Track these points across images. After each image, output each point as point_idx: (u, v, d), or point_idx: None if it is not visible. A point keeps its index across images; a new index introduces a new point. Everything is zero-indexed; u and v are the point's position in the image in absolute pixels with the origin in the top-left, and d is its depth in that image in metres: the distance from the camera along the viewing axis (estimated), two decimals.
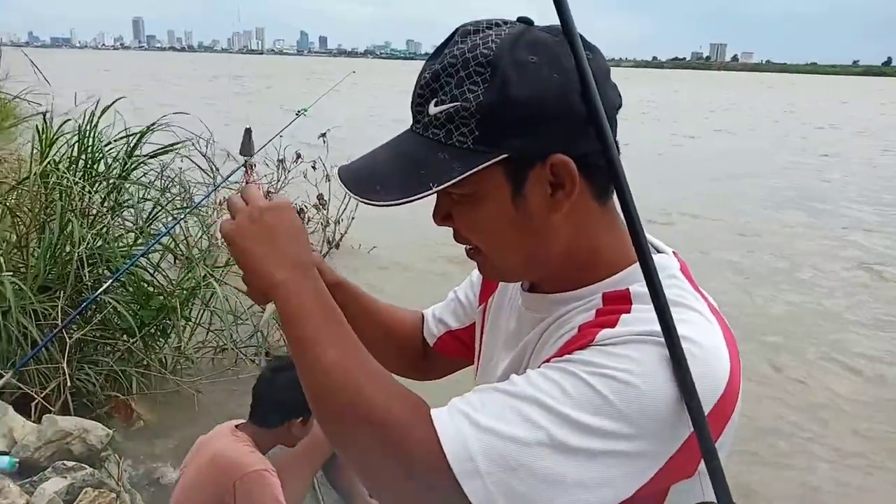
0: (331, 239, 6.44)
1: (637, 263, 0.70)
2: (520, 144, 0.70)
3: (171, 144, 4.19)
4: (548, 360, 0.71)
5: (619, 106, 0.77)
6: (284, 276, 0.76)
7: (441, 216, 0.79)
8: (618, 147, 0.71)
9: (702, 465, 0.68)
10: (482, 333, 1.00)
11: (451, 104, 0.70)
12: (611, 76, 0.76)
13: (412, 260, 6.84)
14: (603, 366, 0.66)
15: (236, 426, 2.28)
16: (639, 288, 0.73)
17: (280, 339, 4.03)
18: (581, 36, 0.70)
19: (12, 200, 3.60)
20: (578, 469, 0.64)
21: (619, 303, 0.74)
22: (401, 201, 0.71)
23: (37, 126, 3.84)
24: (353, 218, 6.42)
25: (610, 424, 0.64)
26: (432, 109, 0.71)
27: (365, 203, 0.72)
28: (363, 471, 0.71)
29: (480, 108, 0.68)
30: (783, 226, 9.14)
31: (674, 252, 0.82)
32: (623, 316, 0.71)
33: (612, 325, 0.70)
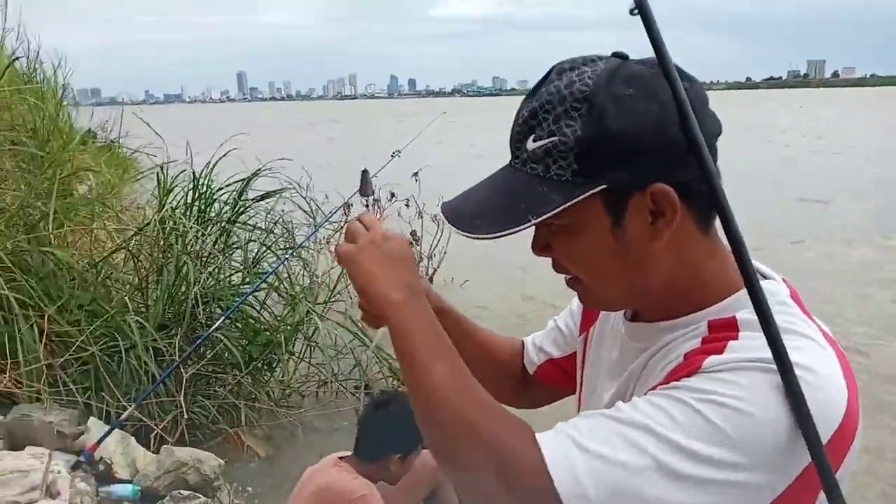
0: (424, 274, 6.56)
1: (743, 290, 0.69)
2: (618, 175, 0.71)
3: (275, 191, 4.43)
4: (654, 388, 0.70)
5: (719, 133, 0.77)
6: (400, 298, 0.79)
7: (540, 247, 0.80)
8: (719, 174, 0.71)
9: (819, 502, 0.66)
10: (584, 363, 1.00)
11: (549, 139, 0.72)
12: (709, 104, 0.76)
13: (504, 294, 6.85)
14: (712, 392, 0.65)
15: (340, 458, 2.34)
16: (746, 315, 0.71)
17: (378, 372, 4.12)
18: (677, 66, 0.71)
19: (134, 246, 3.89)
20: (687, 497, 0.63)
21: (725, 330, 0.72)
22: (501, 234, 0.73)
23: (156, 176, 4.15)
24: (444, 253, 6.54)
25: (720, 452, 0.62)
26: (530, 145, 0.74)
27: (466, 237, 0.75)
28: (468, 489, 0.72)
29: (578, 141, 0.70)
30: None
31: (783, 278, 0.80)
32: (731, 343, 0.70)
33: (720, 352, 0.69)
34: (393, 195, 6.50)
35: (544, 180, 0.73)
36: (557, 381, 1.10)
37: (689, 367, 0.69)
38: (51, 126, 5.08)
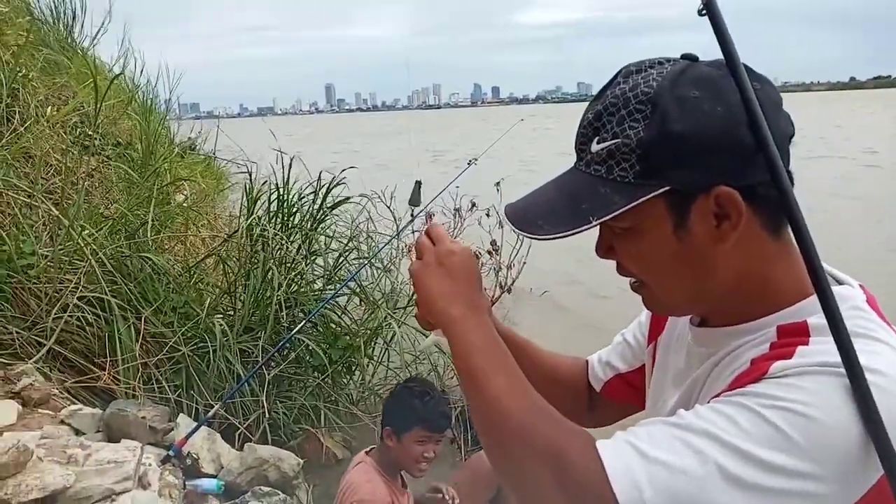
0: (503, 283, 6.54)
1: (815, 295, 0.67)
2: (681, 177, 0.70)
3: (349, 197, 4.55)
4: (718, 395, 0.69)
5: (792, 135, 0.75)
6: (460, 314, 0.81)
7: (604, 249, 0.81)
8: (791, 177, 0.69)
9: None
10: (651, 373, 0.99)
11: (613, 141, 0.72)
12: (782, 106, 0.75)
13: (583, 304, 6.76)
14: (779, 398, 0.63)
15: (367, 451, 2.40)
16: (817, 320, 0.69)
17: (454, 378, 4.15)
18: (747, 67, 0.70)
19: (224, 252, 4.09)
20: None
21: (795, 335, 0.70)
22: (561, 234, 0.74)
23: (245, 185, 4.35)
24: (524, 263, 6.50)
25: (787, 460, 0.60)
26: (594, 147, 0.74)
27: (527, 237, 0.76)
28: (526, 499, 0.72)
29: (641, 143, 0.70)
30: None
31: (860, 285, 0.77)
32: (800, 348, 0.68)
33: (789, 357, 0.67)
34: (474, 205, 6.54)
35: (607, 182, 0.73)
36: (625, 396, 1.08)
37: (756, 372, 0.68)
38: (153, 139, 5.42)
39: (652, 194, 0.71)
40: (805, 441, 0.60)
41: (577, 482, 0.66)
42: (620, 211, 0.71)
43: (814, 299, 0.69)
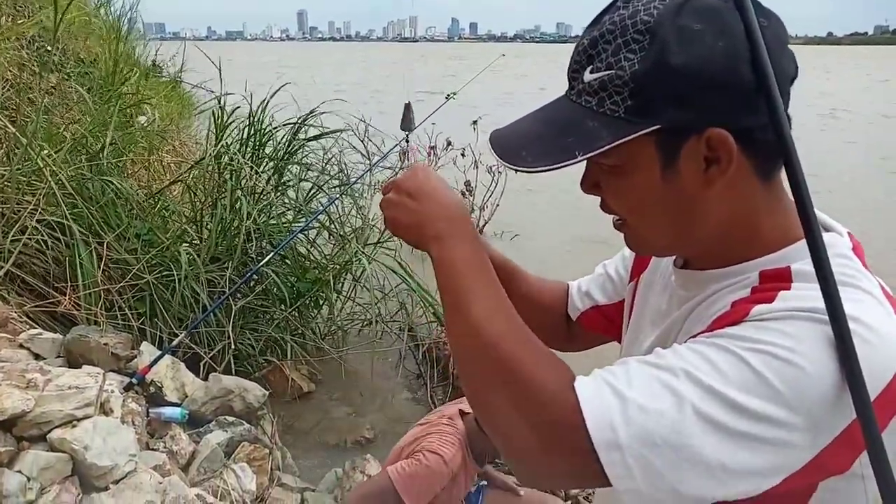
0: (475, 225, 6.53)
1: (802, 241, 0.65)
2: (674, 116, 0.66)
3: (331, 131, 4.43)
4: (696, 336, 0.67)
5: (794, 77, 0.71)
6: (434, 234, 0.78)
7: (589, 185, 0.77)
8: (789, 120, 0.66)
9: (859, 465, 0.62)
10: (631, 310, 0.97)
11: (606, 72, 0.68)
12: (787, 44, 0.70)
13: (555, 248, 6.79)
14: (759, 341, 0.61)
15: (466, 412, 2.32)
16: (802, 266, 0.68)
17: (423, 316, 4.16)
18: (755, 1, 0.66)
19: (191, 180, 3.97)
20: (724, 451, 0.60)
21: (778, 280, 0.69)
22: (544, 168, 0.70)
23: (212, 111, 4.20)
24: (497, 205, 6.49)
25: (765, 406, 0.59)
26: (587, 76, 0.70)
27: (510, 168, 0.72)
28: (500, 432, 0.69)
29: (635, 76, 0.66)
30: None
31: (848, 233, 0.75)
32: (782, 292, 0.66)
33: (770, 301, 0.65)
34: (449, 143, 6.44)
35: (597, 115, 0.69)
36: (600, 328, 1.07)
37: (736, 314, 0.66)
38: (116, 58, 5.17)
39: (641, 132, 0.67)
40: (784, 387, 0.59)
41: (550, 415, 0.64)
42: (606, 147, 0.68)
43: (798, 246, 0.68)
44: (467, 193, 6.38)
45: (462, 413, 2.32)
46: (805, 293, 0.64)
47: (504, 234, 6.86)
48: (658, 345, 0.80)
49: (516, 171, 0.72)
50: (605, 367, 0.68)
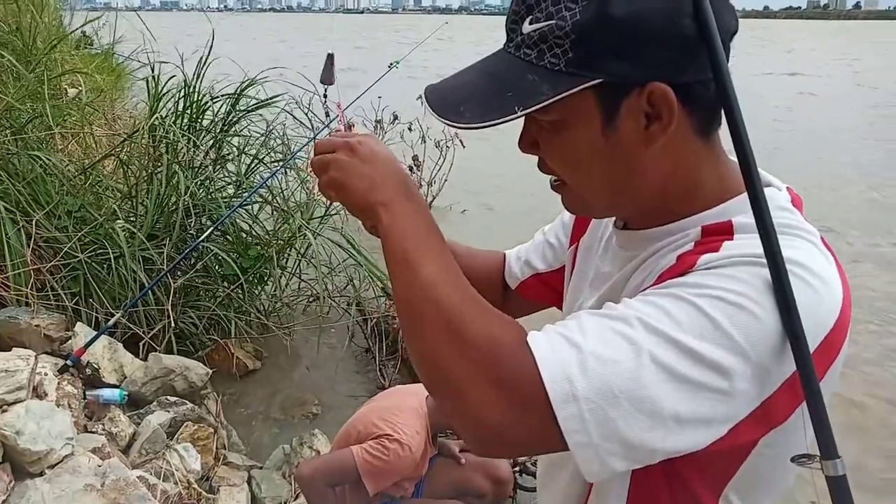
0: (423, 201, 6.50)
1: (742, 195, 0.65)
2: (614, 69, 0.65)
3: (269, 99, 4.30)
4: (645, 291, 0.67)
5: (735, 32, 0.71)
6: (388, 196, 0.74)
7: (527, 143, 0.75)
8: (729, 75, 0.65)
9: (797, 415, 0.63)
10: (570, 275, 0.96)
11: (546, 22, 0.66)
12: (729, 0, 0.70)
13: (503, 222, 6.82)
14: (711, 286, 0.61)
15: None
16: (743, 219, 0.67)
17: (370, 290, 4.13)
18: None
19: (124, 154, 3.82)
20: (678, 399, 0.59)
21: (720, 234, 0.69)
22: (482, 124, 0.68)
23: (146, 82, 4.03)
24: (445, 180, 6.46)
25: (719, 353, 0.58)
26: (526, 27, 0.68)
27: (447, 124, 0.69)
28: (451, 393, 0.66)
29: (575, 27, 0.64)
30: None
31: (787, 187, 0.76)
32: (726, 243, 0.66)
33: (715, 251, 0.65)
34: (396, 118, 6.35)
35: (536, 68, 0.67)
36: (541, 296, 1.06)
37: (682, 266, 0.66)
38: (38, 27, 4.90)
39: (582, 86, 0.65)
40: (737, 332, 0.59)
41: (503, 372, 0.62)
42: (547, 102, 0.66)
43: (739, 199, 0.68)
44: (415, 168, 6.32)
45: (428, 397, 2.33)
46: (749, 241, 0.64)
47: (453, 208, 6.84)
48: (603, 303, 0.80)
49: (454, 127, 0.70)
50: (557, 322, 0.66)
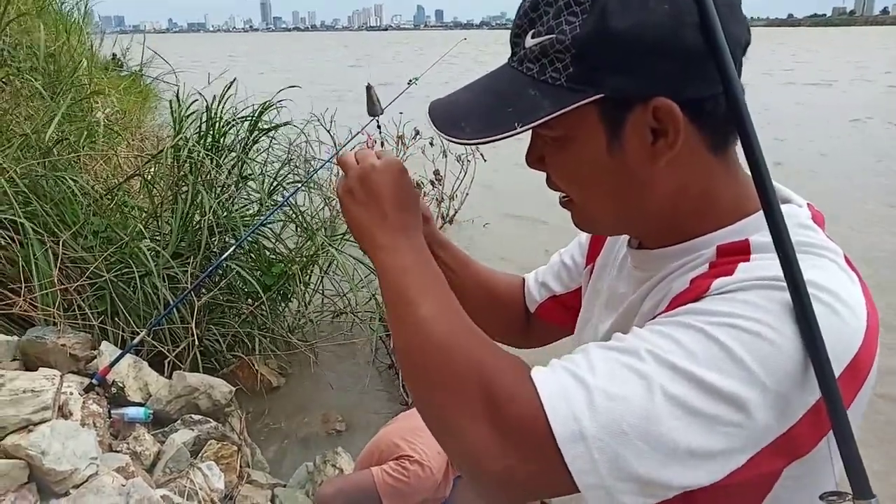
0: (445, 214, 6.50)
1: (759, 213, 0.61)
2: (617, 83, 0.62)
3: (286, 123, 4.35)
4: (656, 318, 0.64)
5: (748, 44, 0.68)
6: (386, 241, 0.74)
7: (534, 159, 0.74)
8: (742, 89, 0.62)
9: (823, 445, 0.59)
10: (585, 295, 0.94)
11: (547, 36, 0.64)
12: (740, 9, 0.67)
13: (525, 237, 6.79)
14: (723, 313, 0.58)
15: None
16: (760, 238, 0.64)
17: None
18: None
19: (149, 174, 3.87)
20: (694, 434, 0.55)
21: (736, 254, 0.65)
22: (483, 140, 0.66)
23: (170, 103, 4.09)
24: (467, 194, 6.46)
25: (734, 385, 0.55)
26: (528, 41, 0.66)
27: (448, 140, 0.68)
28: (453, 437, 0.64)
29: (576, 41, 0.62)
30: None
31: (808, 204, 0.72)
32: (741, 264, 0.63)
33: (729, 274, 0.62)
34: (417, 133, 6.38)
35: (538, 83, 0.65)
36: (560, 319, 1.03)
37: (696, 291, 0.63)
38: (70, 51, 5.02)
39: (582, 101, 0.63)
40: (754, 363, 0.56)
41: (507, 412, 0.59)
42: (547, 118, 0.64)
43: (755, 217, 0.65)
44: (436, 183, 6.33)
45: None
46: (766, 263, 0.61)
47: (475, 221, 6.83)
48: (616, 329, 0.76)
49: (455, 143, 0.69)
50: (563, 356, 0.64)
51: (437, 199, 6.54)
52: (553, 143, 0.69)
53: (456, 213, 6.62)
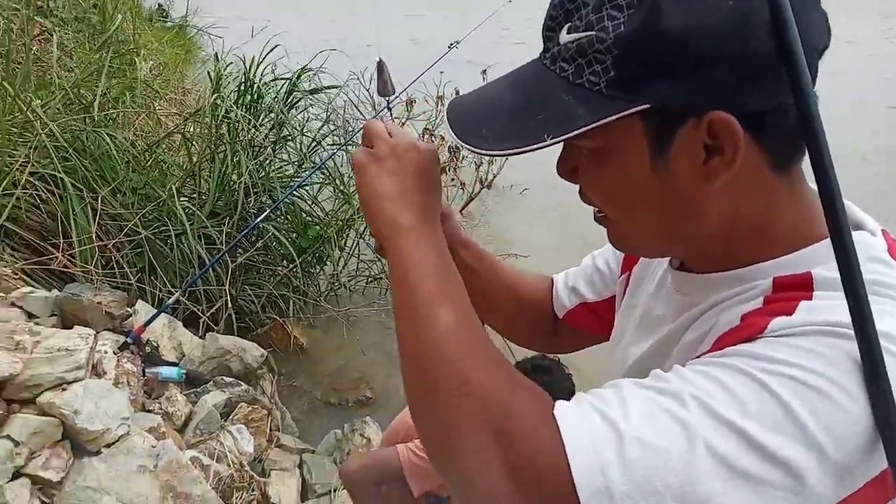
0: (483, 179, 6.39)
1: (825, 241, 0.52)
2: (665, 93, 0.53)
3: (328, 87, 4.28)
4: (701, 357, 0.56)
5: (825, 47, 0.57)
6: (411, 224, 0.65)
7: (565, 169, 0.65)
8: (816, 99, 0.52)
9: None
10: (620, 307, 0.86)
11: (585, 33, 0.54)
12: (820, 5, 0.57)
13: (564, 204, 6.64)
14: (782, 361, 0.50)
15: None
16: (825, 272, 0.55)
17: None
18: None
19: (189, 131, 3.86)
20: (738, 500, 0.48)
21: (796, 289, 0.56)
22: (506, 152, 0.58)
23: (214, 58, 4.06)
24: (506, 158, 6.32)
25: (790, 447, 0.47)
26: (563, 37, 0.56)
27: (468, 149, 0.60)
28: (458, 471, 0.56)
29: (619, 40, 0.53)
30: None
31: (883, 231, 0.62)
32: (803, 303, 0.54)
33: (790, 313, 0.53)
34: (457, 93, 6.23)
35: (573, 87, 0.56)
36: (590, 326, 0.95)
37: (749, 329, 0.54)
38: (115, 1, 5.00)
39: (624, 113, 0.54)
40: (814, 423, 0.48)
41: (522, 450, 0.52)
42: (582, 130, 0.55)
43: (823, 246, 0.56)
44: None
45: None
46: (832, 304, 0.52)
47: (514, 188, 6.71)
48: (653, 355, 0.69)
49: (474, 153, 0.61)
50: (592, 391, 0.56)
51: (475, 164, 6.42)
52: (588, 155, 0.61)
53: (495, 177, 6.50)
